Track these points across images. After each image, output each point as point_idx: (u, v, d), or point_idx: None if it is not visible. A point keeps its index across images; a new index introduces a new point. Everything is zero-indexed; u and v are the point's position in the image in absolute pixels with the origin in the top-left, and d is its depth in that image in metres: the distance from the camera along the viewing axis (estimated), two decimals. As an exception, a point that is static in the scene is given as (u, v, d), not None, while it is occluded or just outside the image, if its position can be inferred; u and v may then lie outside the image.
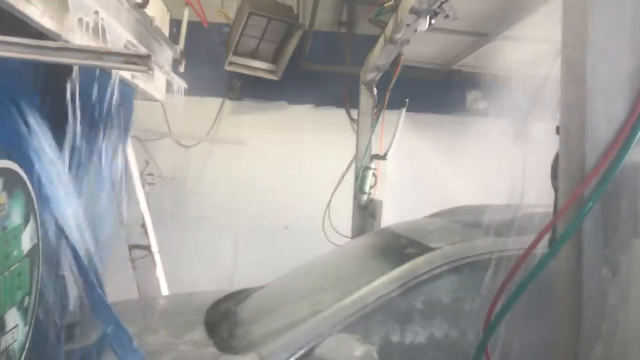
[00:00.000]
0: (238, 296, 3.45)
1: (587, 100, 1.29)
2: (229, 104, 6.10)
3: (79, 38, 2.22)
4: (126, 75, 3.52)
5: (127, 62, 1.69)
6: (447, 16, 3.23)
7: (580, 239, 1.34)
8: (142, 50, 2.86)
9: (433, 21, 3.33)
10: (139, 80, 3.85)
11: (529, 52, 5.03)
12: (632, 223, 1.32)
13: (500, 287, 1.41)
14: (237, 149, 5.89)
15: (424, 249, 2.72)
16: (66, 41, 2.05)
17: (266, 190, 5.90)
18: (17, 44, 1.63)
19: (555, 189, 1.45)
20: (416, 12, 3.25)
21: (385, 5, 3.82)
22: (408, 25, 3.45)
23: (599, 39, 1.28)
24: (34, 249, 1.89)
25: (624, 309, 1.33)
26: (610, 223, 1.33)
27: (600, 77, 1.29)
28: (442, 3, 3.17)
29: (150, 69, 1.70)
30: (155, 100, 4.61)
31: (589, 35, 1.29)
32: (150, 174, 5.28)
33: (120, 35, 2.70)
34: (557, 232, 1.39)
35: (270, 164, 5.96)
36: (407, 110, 4.71)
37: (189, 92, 4.09)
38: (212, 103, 6.04)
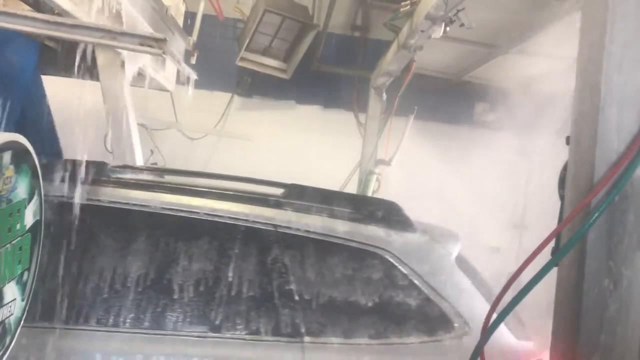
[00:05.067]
0: None
1: (601, 110, 1.29)
2: (237, 99, 6.11)
3: (93, 18, 2.23)
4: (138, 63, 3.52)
5: (142, 44, 1.69)
6: (462, 24, 3.24)
7: (583, 248, 1.33)
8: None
9: (448, 29, 3.34)
10: (150, 69, 3.86)
11: (540, 67, 5.03)
12: (637, 236, 1.32)
13: (500, 292, 1.41)
14: (242, 145, 5.89)
15: None
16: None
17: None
18: (36, 19, 1.64)
19: (562, 197, 1.45)
20: (432, 19, 3.25)
21: (401, 10, 3.83)
22: (423, 31, 3.46)
23: (616, 50, 1.28)
24: (36, 225, 1.89)
25: (623, 322, 1.32)
26: (615, 235, 1.33)
27: (615, 87, 1.28)
28: (458, 11, 3.18)
29: (165, 52, 1.70)
30: (164, 90, 4.62)
31: (606, 46, 1.29)
32: (154, 164, 5.27)
33: (135, 19, 2.70)
34: (561, 240, 1.39)
35: (274, 162, 5.94)
36: (415, 118, 4.72)
37: (198, 85, 4.10)
38: (221, 97, 6.04)
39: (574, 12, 3.40)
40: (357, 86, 5.96)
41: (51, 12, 2.14)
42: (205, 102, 5.84)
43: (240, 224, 2.45)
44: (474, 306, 2.46)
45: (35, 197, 1.85)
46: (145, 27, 3.09)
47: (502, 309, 1.40)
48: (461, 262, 2.68)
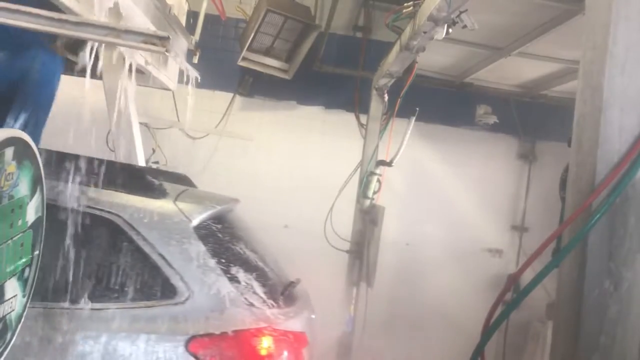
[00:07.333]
0: None
1: (603, 111, 1.29)
2: (239, 99, 6.11)
3: (96, 16, 2.23)
4: (140, 61, 3.53)
5: (145, 42, 1.69)
6: (464, 26, 3.23)
7: (584, 250, 1.34)
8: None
9: (450, 30, 3.33)
10: (152, 68, 3.86)
11: (542, 70, 5.04)
12: (638, 238, 1.32)
13: (501, 292, 1.41)
14: (243, 144, 5.89)
15: None
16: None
17: (269, 188, 5.88)
18: (40, 16, 1.64)
19: (563, 199, 1.45)
20: (434, 20, 3.25)
21: (404, 11, 3.83)
22: (425, 32, 3.46)
23: (619, 52, 1.29)
24: (38, 222, 1.89)
25: (623, 323, 1.33)
26: (616, 237, 1.33)
27: (617, 89, 1.29)
28: (460, 13, 3.18)
29: (168, 50, 1.70)
30: (167, 89, 4.62)
31: (609, 48, 1.29)
32: (156, 162, 5.28)
33: (138, 17, 2.71)
34: (562, 241, 1.39)
35: (275, 162, 5.95)
36: (416, 120, 4.71)
37: (200, 84, 4.10)
38: (223, 97, 6.04)
39: (576, 14, 3.41)
40: (358, 87, 5.96)
41: (54, 9, 2.15)
42: (207, 101, 5.85)
43: None
44: (203, 273, 2.44)
45: (37, 194, 1.85)
46: (148, 26, 3.10)
47: (503, 309, 1.40)
48: (222, 230, 2.70)
